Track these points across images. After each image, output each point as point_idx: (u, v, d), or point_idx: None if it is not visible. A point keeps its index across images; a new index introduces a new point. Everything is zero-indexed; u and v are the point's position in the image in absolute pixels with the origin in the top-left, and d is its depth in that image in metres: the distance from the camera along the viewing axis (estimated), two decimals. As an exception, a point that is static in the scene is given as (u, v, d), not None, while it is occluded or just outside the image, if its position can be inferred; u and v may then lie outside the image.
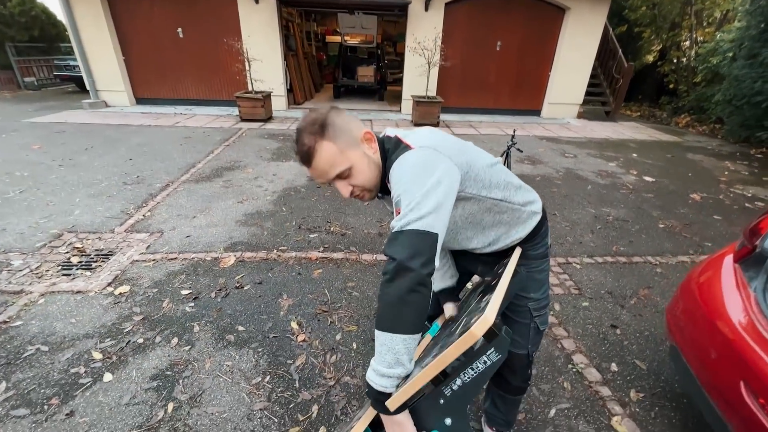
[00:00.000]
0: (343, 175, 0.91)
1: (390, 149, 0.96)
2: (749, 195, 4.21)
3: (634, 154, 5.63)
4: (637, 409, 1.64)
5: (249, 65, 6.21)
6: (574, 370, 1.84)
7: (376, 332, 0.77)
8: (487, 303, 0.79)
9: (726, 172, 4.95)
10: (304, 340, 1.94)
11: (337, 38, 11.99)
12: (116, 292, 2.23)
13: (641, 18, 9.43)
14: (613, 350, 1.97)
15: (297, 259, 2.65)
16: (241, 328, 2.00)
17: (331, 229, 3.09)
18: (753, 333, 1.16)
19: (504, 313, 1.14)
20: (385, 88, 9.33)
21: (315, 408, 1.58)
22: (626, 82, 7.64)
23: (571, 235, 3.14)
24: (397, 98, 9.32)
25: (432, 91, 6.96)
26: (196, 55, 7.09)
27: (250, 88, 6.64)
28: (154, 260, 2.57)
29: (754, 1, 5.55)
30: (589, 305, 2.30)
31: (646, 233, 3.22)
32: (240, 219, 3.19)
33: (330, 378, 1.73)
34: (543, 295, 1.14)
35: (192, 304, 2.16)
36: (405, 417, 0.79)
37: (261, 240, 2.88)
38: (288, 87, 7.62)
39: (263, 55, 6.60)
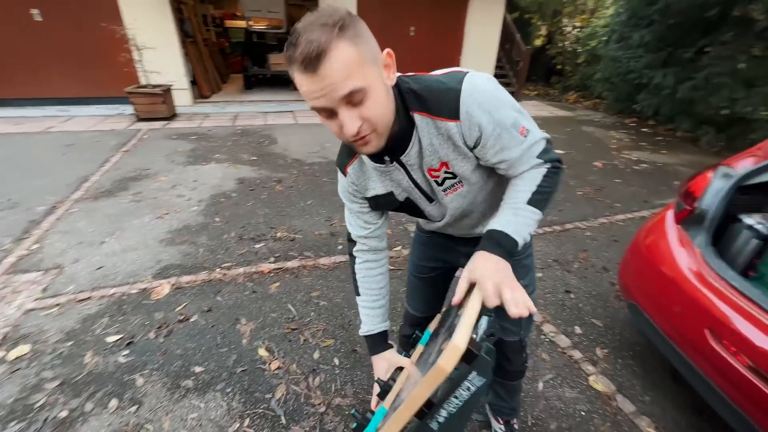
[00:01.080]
0: (354, 99, 0.65)
1: (410, 88, 0.77)
2: (634, 159, 4.97)
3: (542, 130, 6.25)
4: (606, 365, 1.81)
5: (140, 55, 5.28)
6: (547, 339, 1.96)
7: (532, 209, 0.81)
8: (456, 324, 0.67)
9: (614, 141, 5.78)
10: (278, 368, 1.72)
11: (239, 23, 10.95)
12: (10, 357, 1.72)
13: (530, 6, 10.41)
14: (572, 314, 2.14)
15: (247, 275, 2.35)
16: (198, 369, 1.70)
17: (278, 235, 2.82)
18: (708, 286, 1.33)
19: None
20: (300, 77, 8.81)
21: (311, 442, 1.42)
22: (526, 64, 8.39)
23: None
24: (314, 87, 8.91)
25: (353, 79, 6.78)
26: (63, 44, 5.78)
27: (143, 82, 5.68)
28: (58, 305, 2.04)
29: (620, -8, 6.48)
30: (543, 275, 2.48)
31: (570, 201, 3.59)
32: (165, 238, 2.72)
33: (319, 404, 1.57)
34: (531, 281, 1.13)
35: (126, 352, 1.77)
36: None
37: (198, 259, 2.49)
38: (191, 79, 6.73)
39: (156, 42, 5.67)
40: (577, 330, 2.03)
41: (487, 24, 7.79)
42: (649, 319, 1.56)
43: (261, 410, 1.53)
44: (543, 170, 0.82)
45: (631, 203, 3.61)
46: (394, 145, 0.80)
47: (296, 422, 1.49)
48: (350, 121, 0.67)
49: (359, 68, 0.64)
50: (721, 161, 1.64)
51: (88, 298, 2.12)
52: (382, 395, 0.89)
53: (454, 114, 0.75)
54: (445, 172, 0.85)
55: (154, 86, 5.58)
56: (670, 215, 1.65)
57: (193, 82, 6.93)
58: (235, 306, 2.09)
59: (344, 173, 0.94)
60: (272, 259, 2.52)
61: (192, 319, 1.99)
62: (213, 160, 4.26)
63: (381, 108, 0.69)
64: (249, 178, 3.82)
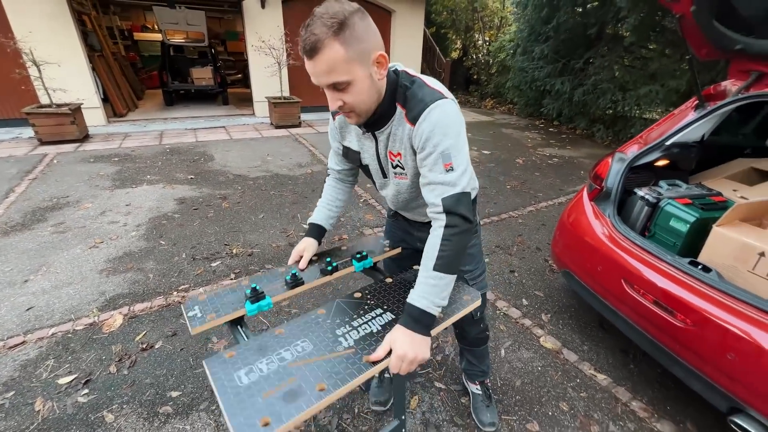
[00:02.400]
0: (338, 87, 0.86)
1: (405, 84, 0.95)
2: (547, 155, 5.72)
3: (470, 134, 6.86)
4: (551, 327, 2.13)
5: (39, 71, 4.68)
6: (501, 313, 2.23)
7: (440, 274, 0.93)
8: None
9: (529, 140, 6.58)
10: (262, 377, 1.72)
11: (150, 35, 10.25)
12: (-65, 421, 1.48)
13: (444, 21, 11.34)
14: (518, 289, 2.46)
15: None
16: (175, 394, 1.63)
17: (234, 251, 2.75)
18: (619, 246, 1.68)
19: None
20: (226, 91, 8.51)
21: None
22: (447, 74, 9.13)
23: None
24: (244, 101, 8.66)
25: (286, 92, 6.76)
26: (-70, 59, 4.90)
27: (45, 101, 5.04)
28: (-15, 356, 1.79)
29: (521, 10, 7.43)
30: (490, 260, 2.79)
31: (502, 195, 4.04)
32: (105, 267, 2.50)
33: (309, 403, 1.61)
34: (476, 267, 1.32)
35: (85, 391, 1.63)
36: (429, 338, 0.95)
37: (149, 285, 2.34)
38: (102, 96, 6.11)
39: (58, 56, 5.08)
40: (524, 302, 2.34)
41: (409, 38, 8.33)
42: (580, 281, 1.89)
43: (252, 420, 1.53)
44: (442, 227, 0.93)
45: (550, 192, 4.19)
46: (376, 121, 0.99)
47: (290, 424, 1.52)
48: (332, 101, 0.89)
49: (345, 65, 0.82)
50: (616, 149, 2.06)
51: (22, 342, 1.88)
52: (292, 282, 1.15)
53: (415, 120, 0.93)
54: (398, 161, 1.04)
55: (60, 105, 4.98)
56: (585, 195, 2.02)
57: (105, 100, 6.30)
58: (203, 326, 2.02)
59: (333, 118, 1.15)
60: (233, 276, 2.47)
61: (157, 346, 1.88)
62: (144, 182, 3.95)
63: (361, 97, 0.89)
64: (190, 197, 3.63)
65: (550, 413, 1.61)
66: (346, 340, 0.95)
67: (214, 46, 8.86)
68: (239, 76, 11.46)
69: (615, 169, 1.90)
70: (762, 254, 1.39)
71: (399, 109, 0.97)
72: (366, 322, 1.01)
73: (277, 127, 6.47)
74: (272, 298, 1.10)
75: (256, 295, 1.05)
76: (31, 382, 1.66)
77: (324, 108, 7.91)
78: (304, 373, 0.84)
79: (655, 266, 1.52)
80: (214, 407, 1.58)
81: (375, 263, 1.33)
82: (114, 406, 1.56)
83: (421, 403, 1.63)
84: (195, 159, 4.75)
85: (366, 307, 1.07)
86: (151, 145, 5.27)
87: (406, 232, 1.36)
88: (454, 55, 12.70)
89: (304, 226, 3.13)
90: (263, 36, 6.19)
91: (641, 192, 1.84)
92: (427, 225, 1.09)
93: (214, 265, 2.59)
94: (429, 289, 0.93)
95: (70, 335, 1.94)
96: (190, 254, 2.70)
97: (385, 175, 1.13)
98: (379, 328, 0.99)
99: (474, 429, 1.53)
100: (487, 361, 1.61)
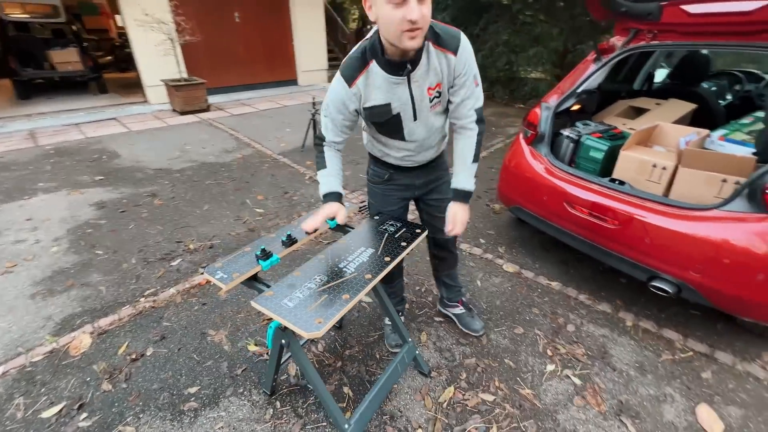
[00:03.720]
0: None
1: (431, 25, 1.12)
2: (461, 116, 6.27)
3: (387, 104, 7.09)
4: (508, 255, 2.53)
5: None
6: (467, 253, 2.56)
7: (475, 164, 1.34)
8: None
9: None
10: (278, 352, 1.76)
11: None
12: None
13: (339, -10, 11.08)
14: (475, 233, 2.82)
15: (184, 293, 2.14)
16: (193, 390, 1.58)
17: (191, 247, 2.57)
18: (556, 177, 2.08)
19: (429, 212, 1.62)
20: (102, 77, 7.20)
21: (347, 390, 1.59)
22: (354, 46, 9.08)
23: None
24: (127, 87, 7.46)
25: (184, 73, 6.04)
26: None
27: None
28: None
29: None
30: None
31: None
32: (35, 292, 2.13)
33: (334, 361, 1.72)
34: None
35: (84, 415, 1.47)
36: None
37: (105, 299, 2.09)
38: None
39: None
40: (482, 241, 2.71)
41: (309, 11, 8.01)
42: (529, 212, 2.28)
43: (285, 390, 1.58)
44: (476, 132, 1.30)
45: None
46: (410, 62, 1.13)
47: (325, 379, 1.61)
48: (416, 10, 0.96)
49: None
50: (541, 99, 2.46)
51: (-35, 390, 1.57)
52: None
53: (456, 51, 1.15)
54: (436, 92, 1.23)
55: None
56: (522, 141, 2.40)
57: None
58: (192, 323, 1.93)
59: (351, 85, 1.18)
60: (201, 271, 2.33)
61: (148, 353, 1.75)
62: (39, 191, 3.30)
63: (429, 16, 1.03)
64: (110, 200, 3.17)
65: (527, 318, 1.99)
66: (348, 269, 1.21)
67: (72, 22, 7.30)
68: (109, 58, 9.70)
69: (544, 116, 2.29)
70: (654, 165, 1.90)
71: (432, 47, 1.14)
72: (356, 257, 1.27)
73: (183, 113, 5.81)
74: (278, 255, 1.30)
75: (266, 254, 1.24)
76: (6, 426, 1.43)
77: (232, 89, 7.31)
78: (330, 292, 1.10)
79: (587, 187, 1.95)
80: (241, 390, 1.58)
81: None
82: (129, 419, 1.46)
83: (430, 336, 1.87)
84: (95, 158, 4.07)
85: (351, 248, 1.33)
86: (25, 148, 4.32)
87: (405, 187, 1.52)
88: (353, 26, 12.60)
89: (258, 210, 3.05)
90: (147, 8, 5.35)
91: (566, 132, 2.27)
92: (431, 164, 1.47)
93: (174, 264, 2.39)
94: (470, 174, 1.34)
95: (29, 368, 1.67)
96: (140, 258, 2.44)
97: (416, 118, 1.26)
98: (367, 258, 1.26)
99: (478, 343, 1.82)
100: (459, 279, 1.92)
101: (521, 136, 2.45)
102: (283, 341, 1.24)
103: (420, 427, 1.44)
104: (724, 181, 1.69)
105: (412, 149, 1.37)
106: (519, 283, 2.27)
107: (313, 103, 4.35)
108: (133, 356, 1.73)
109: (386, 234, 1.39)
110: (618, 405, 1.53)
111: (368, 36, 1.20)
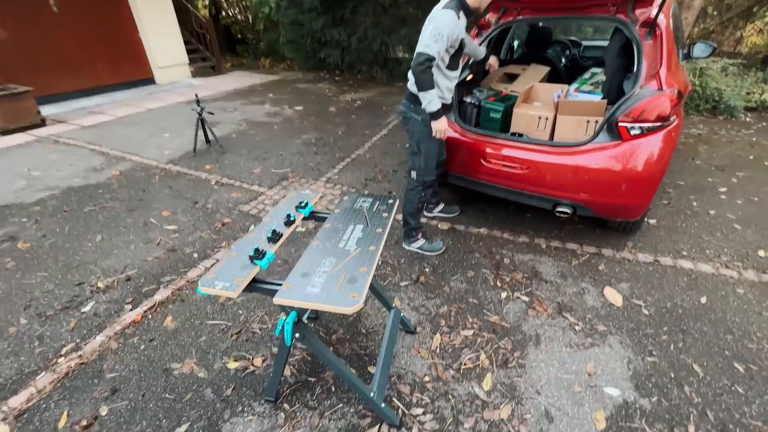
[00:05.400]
0: None
1: None
2: (349, 99, 6.40)
3: (270, 94, 6.73)
4: (438, 216, 2.82)
5: None
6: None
7: (422, 94, 1.88)
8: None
9: (327, 91, 7.07)
10: (264, 360, 1.67)
11: None
12: None
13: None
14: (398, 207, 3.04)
15: (118, 336, 1.81)
16: (183, 429, 1.41)
17: (100, 286, 2.14)
18: (470, 138, 2.41)
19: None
20: None
21: (350, 369, 1.63)
22: (213, 35, 8.21)
23: (308, 161, 3.85)
24: None
25: (-8, 80, 4.63)
26: None
27: None
28: None
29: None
30: (370, 190, 3.24)
31: (340, 140, 4.44)
32: None
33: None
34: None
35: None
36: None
37: (4, 374, 1.63)
38: None
39: None
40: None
41: (152, -5, 6.90)
42: (454, 174, 2.59)
43: (288, 391, 1.54)
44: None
45: (373, 128, 4.89)
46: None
47: (324, 370, 1.62)
48: None
49: None
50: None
51: None
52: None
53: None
54: None
55: None
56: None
57: None
58: (146, 364, 1.66)
59: (459, 17, 1.85)
60: (128, 308, 1.99)
61: (103, 413, 1.46)
62: None
63: None
64: (-58, 257, 2.36)
65: (473, 262, 2.31)
66: (349, 246, 1.29)
67: None
68: None
69: (447, 87, 2.57)
70: (539, 117, 2.37)
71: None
72: (350, 235, 1.36)
73: (6, 132, 4.49)
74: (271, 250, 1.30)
75: (260, 253, 1.22)
76: None
77: (71, 96, 5.95)
78: (345, 271, 1.16)
79: (496, 143, 2.32)
80: (240, 408, 1.47)
81: (313, 211, 1.62)
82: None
83: (402, 300, 2.02)
84: None
85: (340, 228, 1.41)
86: None
87: (447, 108, 2.17)
88: (204, 12, 11.32)
89: (169, 227, 2.70)
90: None
91: (468, 99, 2.61)
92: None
93: (86, 309, 1.98)
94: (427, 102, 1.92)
95: None
96: (31, 315, 1.93)
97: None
98: (361, 234, 1.37)
99: (443, 294, 2.05)
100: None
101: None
102: (297, 335, 1.22)
103: (425, 375, 1.60)
104: (588, 121, 2.23)
105: (455, 78, 2.12)
106: (456, 236, 2.58)
107: (197, 101, 3.90)
108: (84, 423, 1.43)
109: (364, 209, 1.46)
110: (558, 306, 1.95)
111: None
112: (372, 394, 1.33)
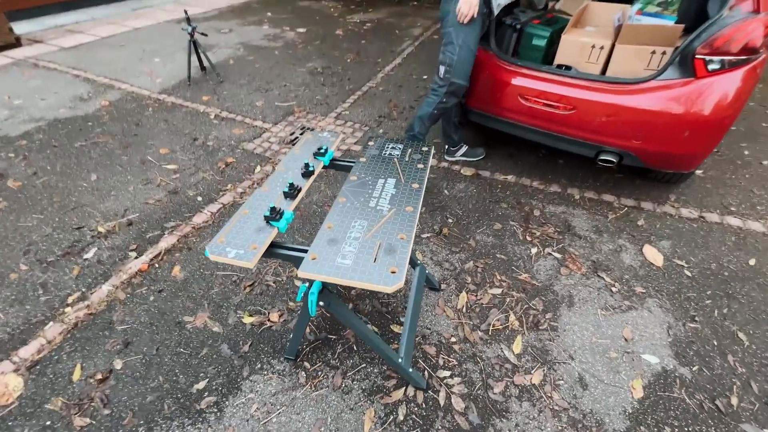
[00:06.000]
0: None
1: None
2: (358, 21, 5.68)
3: (269, 13, 5.97)
4: (460, 159, 2.58)
5: None
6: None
7: None
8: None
9: (332, 9, 6.27)
10: (281, 315, 1.59)
11: None
12: None
13: None
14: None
15: (125, 285, 1.71)
16: (202, 385, 1.36)
17: (100, 230, 2.01)
18: (508, 71, 2.06)
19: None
20: None
21: (372, 327, 1.55)
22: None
23: (315, 94, 3.48)
24: None
25: (-49, -11, 4.03)
26: None
27: None
28: None
29: None
30: (383, 128, 2.94)
31: (349, 69, 3.99)
32: None
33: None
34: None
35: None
36: None
37: (12, 324, 1.56)
38: None
39: None
40: (433, 150, 2.68)
41: None
42: (481, 112, 2.28)
43: (308, 349, 1.47)
44: None
45: (386, 56, 4.37)
46: None
47: (345, 328, 1.54)
48: None
49: None
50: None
51: None
52: None
53: None
54: None
55: None
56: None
57: None
58: (158, 316, 1.58)
59: None
60: (133, 255, 1.87)
61: (117, 367, 1.41)
62: None
63: None
64: (-72, 196, 2.20)
65: (500, 213, 2.13)
66: (382, 206, 1.08)
67: None
68: None
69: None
70: (593, 46, 2.00)
71: None
72: (382, 191, 1.15)
73: (-23, 53, 4.04)
74: (289, 209, 1.11)
75: (277, 213, 1.04)
76: None
77: (45, 11, 5.28)
78: (380, 237, 0.97)
79: (539, 77, 1.99)
80: (258, 366, 1.41)
81: (334, 158, 1.39)
82: (135, 443, 1.21)
83: (424, 254, 1.88)
84: None
85: (369, 182, 1.19)
86: None
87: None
88: None
89: (169, 167, 2.49)
90: None
91: (507, 20, 2.20)
92: None
93: (89, 256, 1.86)
94: None
95: None
96: (32, 261, 1.82)
97: None
98: (394, 189, 1.15)
99: (468, 249, 1.91)
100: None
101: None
102: (322, 303, 1.09)
103: (452, 336, 1.51)
104: (653, 53, 1.87)
105: None
106: (480, 184, 2.37)
107: (188, 20, 3.41)
108: (99, 377, 1.38)
109: (394, 158, 1.24)
110: (592, 265, 1.82)
111: None
112: (400, 360, 1.24)
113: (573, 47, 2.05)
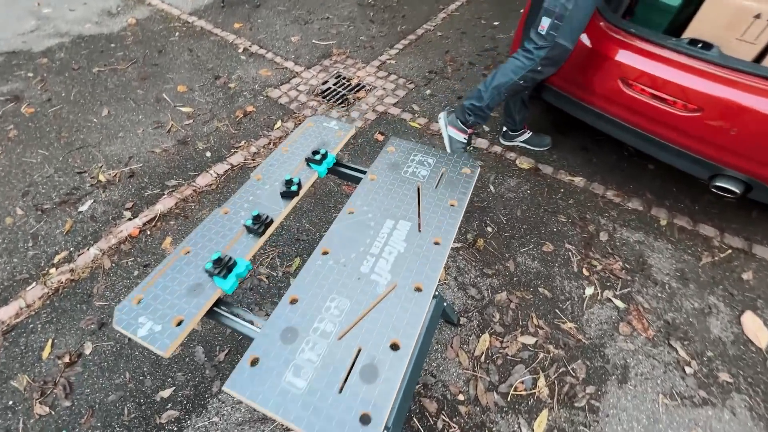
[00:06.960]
0: None
1: None
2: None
3: None
4: (519, 145, 2.07)
5: None
6: (470, 147, 2.07)
7: None
8: None
9: None
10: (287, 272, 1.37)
11: None
12: None
13: None
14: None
15: (112, 252, 1.56)
16: (167, 393, 1.21)
17: (100, 178, 1.84)
18: (610, 40, 1.47)
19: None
20: None
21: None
22: None
23: (360, 33, 2.93)
24: None
25: None
26: None
27: None
28: None
29: None
30: (431, 90, 2.43)
31: (407, 4, 3.32)
32: None
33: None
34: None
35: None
36: None
37: (9, 269, 1.48)
38: None
39: None
40: (485, 128, 2.18)
41: None
42: (560, 91, 1.73)
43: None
44: None
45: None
46: None
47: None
48: None
49: None
50: None
51: None
52: None
53: None
54: None
55: None
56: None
57: None
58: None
59: None
60: (127, 215, 1.70)
61: (87, 351, 1.30)
62: None
63: None
64: (-54, 113, 2.13)
65: (554, 229, 1.69)
66: (380, 275, 0.70)
67: None
68: None
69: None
70: (757, 16, 1.33)
71: None
72: (384, 246, 0.75)
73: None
74: (245, 257, 0.76)
75: (224, 264, 0.71)
76: None
77: None
78: (365, 339, 0.62)
79: (658, 55, 1.38)
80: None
81: (337, 162, 1.00)
82: (88, 448, 1.11)
83: (449, 271, 1.54)
84: None
85: (371, 225, 0.80)
86: None
87: None
88: None
89: (183, 109, 2.22)
90: None
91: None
92: None
93: (84, 209, 1.72)
94: None
95: None
96: (29, 205, 1.72)
97: None
98: (404, 246, 0.74)
99: (505, 272, 1.54)
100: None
101: None
102: None
103: (460, 392, 1.23)
104: None
105: None
106: (538, 183, 1.89)
107: None
108: (67, 359, 1.27)
109: (418, 183, 0.85)
110: (665, 327, 1.39)
111: None
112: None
113: (722, 13, 1.39)
